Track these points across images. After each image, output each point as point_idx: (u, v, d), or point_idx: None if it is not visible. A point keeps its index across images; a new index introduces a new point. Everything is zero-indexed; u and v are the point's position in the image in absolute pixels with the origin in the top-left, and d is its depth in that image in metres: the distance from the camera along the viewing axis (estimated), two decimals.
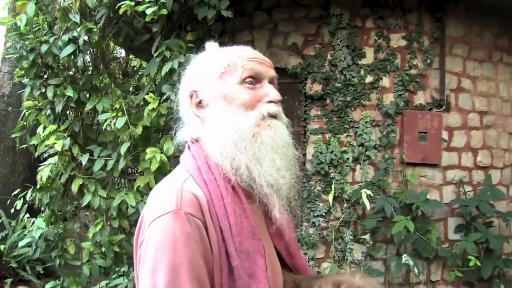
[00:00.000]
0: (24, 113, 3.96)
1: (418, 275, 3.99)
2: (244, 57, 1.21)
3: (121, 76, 4.11)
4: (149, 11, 2.77)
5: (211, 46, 1.33)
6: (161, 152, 3.40)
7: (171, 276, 0.99)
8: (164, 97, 3.27)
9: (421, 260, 4.08)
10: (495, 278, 4.29)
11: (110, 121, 3.39)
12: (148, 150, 3.40)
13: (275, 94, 1.20)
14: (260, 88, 1.21)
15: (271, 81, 1.24)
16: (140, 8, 2.80)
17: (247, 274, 1.07)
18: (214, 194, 1.09)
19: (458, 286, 4.28)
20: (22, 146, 4.28)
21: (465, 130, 4.42)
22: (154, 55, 3.26)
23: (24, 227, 6.12)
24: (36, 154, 3.94)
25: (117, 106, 3.40)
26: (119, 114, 3.38)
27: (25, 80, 3.94)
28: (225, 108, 1.17)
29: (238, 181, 1.14)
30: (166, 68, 3.11)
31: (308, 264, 1.40)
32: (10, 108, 6.41)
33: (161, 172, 3.46)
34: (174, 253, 0.99)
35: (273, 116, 1.19)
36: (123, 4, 2.86)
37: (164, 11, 2.84)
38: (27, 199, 3.78)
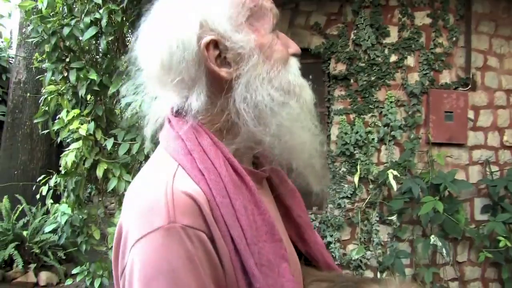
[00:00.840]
0: (46, 98, 3.94)
1: (446, 256, 3.95)
2: None
3: None
4: None
5: None
6: None
7: None
8: None
9: (447, 241, 4.04)
10: None
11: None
12: None
13: (296, 46, 0.96)
14: (280, 38, 0.93)
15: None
16: None
17: (277, 277, 0.81)
18: (215, 189, 0.79)
19: (485, 267, 4.24)
20: (42, 132, 4.27)
21: (491, 109, 4.33)
22: None
23: (45, 213, 6.15)
24: (59, 140, 3.93)
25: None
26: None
27: (46, 65, 3.92)
28: (264, 64, 0.87)
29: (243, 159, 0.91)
30: None
31: (328, 253, 1.11)
32: (28, 94, 6.38)
33: None
34: (173, 286, 0.71)
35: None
36: None
37: None
38: (51, 184, 3.76)
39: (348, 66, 4.22)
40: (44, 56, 3.66)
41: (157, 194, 0.77)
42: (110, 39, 3.42)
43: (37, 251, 5.67)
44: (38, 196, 4.42)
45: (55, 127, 3.78)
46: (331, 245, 4.13)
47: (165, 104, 0.93)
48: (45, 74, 3.90)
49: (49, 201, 3.74)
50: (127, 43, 3.72)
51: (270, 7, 0.91)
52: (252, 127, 0.86)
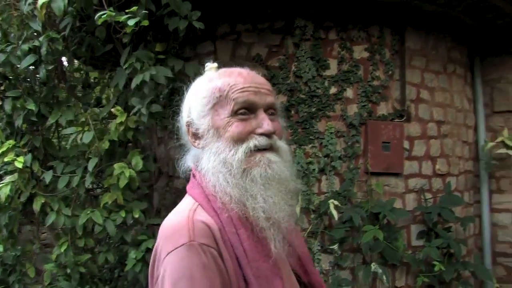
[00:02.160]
0: None
1: (386, 282, 4.06)
2: (236, 87, 1.17)
3: (81, 88, 3.93)
4: (131, 22, 2.66)
5: (209, 67, 1.30)
6: (129, 168, 3.28)
7: None
8: (134, 110, 3.15)
9: (386, 267, 4.16)
10: (454, 280, 4.45)
11: (76, 136, 3.24)
12: (116, 165, 3.28)
13: (267, 126, 1.15)
14: (254, 119, 1.17)
15: (269, 108, 1.21)
16: (121, 19, 2.68)
17: None
18: (225, 222, 1.10)
19: None
20: None
21: (424, 139, 4.56)
22: (124, 66, 3.13)
23: None
24: None
25: (83, 119, 3.25)
26: (86, 128, 3.23)
27: None
28: (217, 141, 1.16)
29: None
30: (137, 80, 3.00)
31: (322, 280, 1.39)
32: None
33: (130, 188, 3.35)
34: (192, 286, 0.99)
35: (265, 149, 1.16)
36: (103, 14, 2.73)
37: (146, 22, 2.73)
38: None
39: (289, 97, 4.30)
40: None
41: (182, 222, 1.09)
42: (49, 67, 3.28)
43: None
44: None
45: None
46: None
47: (189, 159, 1.29)
48: None
49: None
50: (67, 72, 3.60)
51: (234, 97, 1.16)
52: (217, 184, 1.16)
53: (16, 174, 3.35)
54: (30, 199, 3.51)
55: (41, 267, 3.62)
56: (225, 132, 1.15)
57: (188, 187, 1.24)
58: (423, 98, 4.57)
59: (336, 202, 4.01)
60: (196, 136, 1.22)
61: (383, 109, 4.40)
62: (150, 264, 1.12)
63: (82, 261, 3.49)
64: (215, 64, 1.32)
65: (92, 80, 3.92)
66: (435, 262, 4.11)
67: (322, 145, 4.26)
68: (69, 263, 3.43)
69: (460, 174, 4.88)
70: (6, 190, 3.25)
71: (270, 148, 1.17)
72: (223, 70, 1.26)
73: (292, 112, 4.30)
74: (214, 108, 1.18)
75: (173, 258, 1.02)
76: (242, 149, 1.13)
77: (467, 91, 5.19)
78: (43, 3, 2.82)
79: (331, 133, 4.26)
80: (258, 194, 1.12)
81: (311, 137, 4.26)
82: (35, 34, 3.30)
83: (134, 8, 2.68)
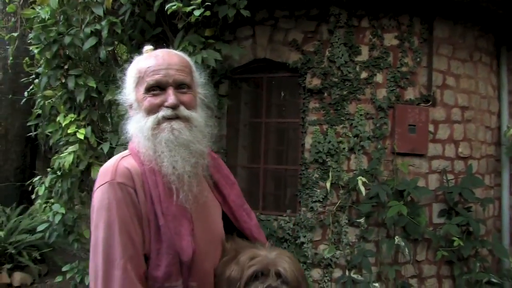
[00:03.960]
0: (39, 101, 4.11)
1: (408, 255, 4.38)
2: (148, 70, 1.46)
3: None
4: (197, 13, 3.00)
5: (145, 49, 1.59)
6: None
7: (107, 231, 1.32)
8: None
9: (408, 242, 4.47)
10: (471, 257, 4.74)
11: None
12: None
13: (171, 100, 1.43)
14: (163, 95, 1.44)
15: (179, 84, 1.46)
16: (188, 9, 3.01)
17: (173, 232, 1.37)
18: (146, 170, 1.42)
19: (440, 265, 4.71)
20: (17, 134, 4.41)
21: (448, 124, 4.82)
22: (177, 50, 3.46)
23: (20, 214, 6.22)
24: (51, 142, 4.11)
25: None
26: None
27: (40, 70, 4.10)
28: (138, 112, 1.48)
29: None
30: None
31: (257, 230, 1.69)
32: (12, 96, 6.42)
33: None
34: (108, 213, 1.33)
35: (170, 118, 1.43)
36: (173, 5, 3.08)
37: (208, 13, 3.07)
38: (46, 185, 3.92)
39: (323, 80, 4.59)
40: (41, 62, 3.82)
41: (109, 165, 1.44)
42: (109, 49, 3.64)
43: (13, 251, 5.74)
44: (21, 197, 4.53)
45: (49, 130, 3.96)
46: (304, 245, 4.49)
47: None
48: (32, 78, 4.06)
49: (42, 200, 3.89)
50: (124, 54, 3.95)
51: (147, 79, 1.46)
52: (137, 144, 1.48)
53: (77, 145, 3.74)
54: (87, 168, 3.90)
55: None
56: (142, 105, 1.45)
57: (130, 142, 1.56)
58: (448, 85, 4.82)
59: (364, 179, 4.32)
60: (130, 107, 1.53)
61: (410, 93, 4.66)
62: None
63: None
64: (151, 47, 1.59)
65: None
66: (454, 238, 4.40)
67: (352, 126, 4.56)
68: None
69: (482, 157, 5.13)
70: (70, 159, 3.63)
71: (175, 118, 1.44)
72: (147, 53, 1.55)
73: (325, 94, 4.60)
74: (136, 86, 1.49)
75: (98, 193, 1.37)
76: (151, 119, 1.43)
77: (492, 78, 5.41)
78: None
79: (361, 115, 4.55)
80: (164, 153, 1.42)
81: (342, 118, 4.56)
82: (96, 19, 3.64)
83: (199, 0, 3.01)
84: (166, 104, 1.44)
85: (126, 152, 1.53)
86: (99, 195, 1.37)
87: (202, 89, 1.59)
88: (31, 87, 5.07)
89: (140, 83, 1.47)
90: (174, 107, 1.44)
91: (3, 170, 6.68)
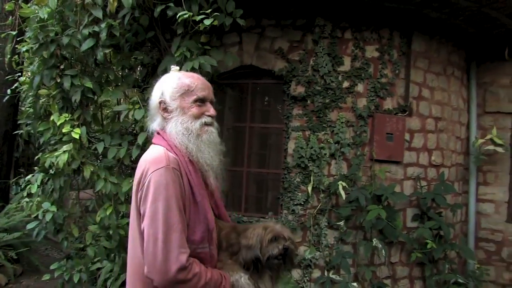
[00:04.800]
0: (31, 100, 4.14)
1: (385, 256, 4.61)
2: (197, 87, 1.88)
3: (126, 71, 4.36)
4: (207, 22, 3.13)
5: (173, 69, 2.02)
6: None
7: (166, 204, 1.66)
8: None
9: (384, 244, 4.70)
10: (441, 259, 5.03)
11: (128, 112, 3.69)
12: None
13: (212, 111, 1.91)
14: (204, 106, 1.89)
15: (211, 101, 1.94)
16: (198, 18, 3.14)
17: (205, 207, 1.80)
18: (183, 161, 1.80)
19: (412, 266, 4.97)
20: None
21: (423, 133, 5.11)
22: (175, 54, 3.59)
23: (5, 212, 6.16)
24: (42, 141, 4.14)
25: (135, 98, 3.70)
26: (136, 106, 3.68)
27: (32, 68, 4.13)
28: (182, 116, 1.86)
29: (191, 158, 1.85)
30: (188, 66, 3.46)
31: (226, 215, 2.12)
32: None
33: None
34: (166, 190, 1.67)
35: (209, 124, 1.89)
36: (185, 13, 3.23)
37: (215, 22, 3.20)
38: (38, 183, 3.95)
39: (307, 88, 4.79)
40: (34, 61, 3.86)
41: (161, 154, 1.76)
42: (107, 51, 3.72)
43: None
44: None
45: (40, 129, 4.00)
46: None
47: (155, 124, 1.94)
48: (17, 76, 4.08)
49: (35, 199, 3.92)
50: (120, 55, 4.02)
51: (196, 93, 1.87)
52: (181, 140, 1.85)
53: (71, 144, 3.79)
54: (78, 167, 3.95)
55: (89, 228, 4.06)
56: (189, 111, 1.86)
57: (154, 140, 1.92)
58: (424, 96, 5.11)
59: (344, 184, 4.53)
60: (165, 110, 1.89)
61: (388, 103, 4.91)
62: (137, 178, 1.77)
63: (122, 224, 3.94)
64: (178, 67, 2.03)
65: (132, 63, 4.33)
66: (427, 241, 4.67)
67: (333, 132, 4.77)
68: (112, 225, 3.89)
69: (452, 166, 5.45)
70: (64, 158, 3.67)
71: (211, 124, 1.90)
72: (185, 72, 1.99)
73: (308, 101, 4.79)
74: (182, 96, 1.86)
75: (156, 174, 1.69)
76: (199, 121, 1.86)
77: (463, 92, 5.75)
78: None
79: (342, 122, 4.76)
80: (205, 149, 1.84)
81: (324, 125, 4.77)
82: (95, 21, 3.71)
83: (209, 10, 3.16)
84: (208, 113, 1.90)
85: (159, 147, 1.85)
86: (157, 176, 1.69)
87: None
88: (15, 84, 5.06)
89: (188, 94, 1.87)
90: (213, 117, 1.91)
91: None
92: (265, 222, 2.02)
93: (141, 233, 1.71)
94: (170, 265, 1.62)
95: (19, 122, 4.22)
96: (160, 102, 1.89)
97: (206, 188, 1.89)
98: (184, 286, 1.65)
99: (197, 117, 1.86)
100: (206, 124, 1.87)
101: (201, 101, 1.87)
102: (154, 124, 1.95)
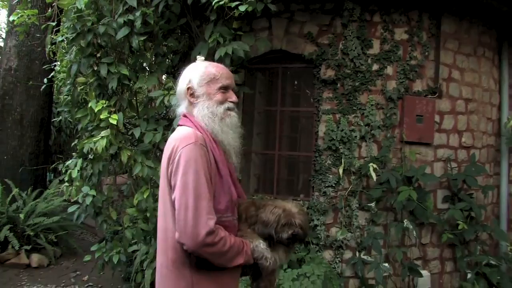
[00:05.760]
0: (69, 88, 4.30)
1: (415, 237, 4.65)
2: (222, 75, 2.07)
3: (160, 58, 4.48)
4: (242, 8, 3.22)
5: (199, 59, 2.21)
6: None
7: (196, 176, 1.84)
8: None
9: (414, 225, 4.74)
10: (472, 241, 5.05)
11: (163, 98, 3.81)
12: None
13: (235, 98, 2.11)
14: (228, 93, 2.09)
15: (233, 89, 2.12)
16: (233, 5, 3.23)
17: (229, 180, 1.99)
18: (208, 139, 1.98)
19: (443, 248, 5.00)
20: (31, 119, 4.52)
21: (453, 115, 5.10)
22: (209, 40, 3.68)
23: (36, 198, 6.41)
24: (80, 127, 4.30)
25: (170, 84, 3.81)
26: (171, 92, 3.80)
27: (69, 57, 4.28)
28: (208, 101, 2.05)
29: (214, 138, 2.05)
30: (220, 52, 3.55)
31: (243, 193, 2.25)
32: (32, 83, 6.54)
33: None
34: (196, 164, 1.84)
35: (232, 109, 2.08)
36: (220, 0, 3.33)
37: (250, 8, 3.28)
38: (78, 168, 4.11)
39: (336, 72, 4.83)
40: (75, 49, 4.00)
41: (190, 133, 1.92)
42: (141, 38, 3.84)
43: (31, 233, 5.92)
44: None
45: (78, 115, 4.15)
46: (317, 228, 4.75)
47: (182, 108, 2.14)
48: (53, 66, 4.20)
49: (76, 183, 4.08)
50: (154, 43, 4.14)
51: (222, 81, 2.07)
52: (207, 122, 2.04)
53: (108, 130, 3.93)
54: (115, 152, 4.10)
55: (126, 211, 4.22)
56: (214, 97, 2.05)
57: (181, 122, 2.10)
58: (454, 78, 5.09)
59: (374, 166, 4.58)
60: (192, 95, 2.07)
61: (418, 85, 4.92)
62: (167, 154, 1.93)
63: None
64: (202, 57, 2.22)
65: (165, 50, 4.45)
66: (459, 222, 4.69)
67: (363, 115, 4.81)
68: (150, 208, 4.04)
69: (483, 147, 5.42)
70: (103, 143, 3.83)
71: (233, 109, 2.09)
72: (211, 62, 2.17)
73: (338, 85, 4.84)
74: (208, 83, 2.06)
75: (186, 149, 1.86)
76: (223, 106, 2.05)
77: (494, 72, 5.69)
78: None
79: (372, 105, 4.80)
80: (228, 131, 2.04)
81: (354, 107, 4.81)
82: (129, 10, 3.83)
83: None
84: (231, 100, 2.10)
85: (186, 127, 2.01)
86: (187, 151, 1.86)
87: None
88: (52, 74, 5.24)
89: (214, 82, 2.07)
90: (235, 103, 2.11)
91: (19, 155, 6.84)
92: (284, 202, 2.18)
93: (173, 204, 1.88)
94: (200, 229, 1.79)
95: (58, 110, 4.38)
96: (188, 88, 2.08)
97: (227, 165, 2.09)
98: (211, 248, 1.82)
99: (222, 102, 2.05)
100: (229, 109, 2.07)
101: (225, 88, 2.06)
102: (181, 108, 2.14)
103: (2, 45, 7.71)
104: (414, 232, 4.59)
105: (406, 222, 4.55)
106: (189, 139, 1.89)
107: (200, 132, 1.96)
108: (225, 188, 1.97)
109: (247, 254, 1.97)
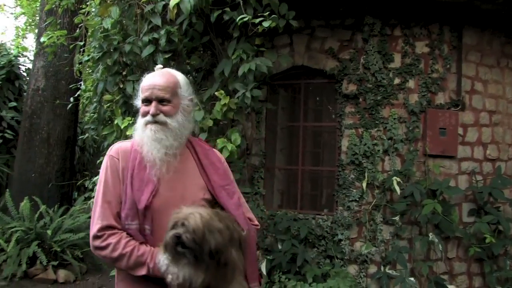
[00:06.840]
0: (96, 106, 4.41)
1: (441, 251, 4.60)
2: (144, 88, 2.02)
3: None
4: (266, 24, 3.29)
5: (156, 68, 2.13)
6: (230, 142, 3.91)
7: (99, 184, 1.97)
8: (239, 94, 3.77)
9: (439, 239, 4.69)
10: (501, 255, 4.96)
11: None
12: (219, 140, 3.89)
13: (152, 110, 1.98)
14: (149, 105, 1.99)
15: (160, 100, 1.99)
16: (256, 21, 3.31)
17: (136, 188, 1.92)
18: (135, 150, 1.99)
19: (470, 262, 4.93)
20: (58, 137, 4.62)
21: (477, 127, 5.06)
22: (232, 57, 3.76)
23: (62, 214, 6.53)
24: (106, 144, 4.40)
25: (195, 101, 3.88)
26: (197, 108, 3.86)
27: (96, 76, 4.40)
28: (139, 115, 2.08)
29: None
30: (244, 69, 3.61)
31: (235, 207, 2.05)
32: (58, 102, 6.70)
33: (230, 159, 3.95)
34: (102, 173, 1.97)
35: (150, 122, 1.99)
36: (245, 17, 3.40)
37: (273, 24, 3.36)
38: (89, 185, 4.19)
39: (358, 86, 4.86)
40: (102, 68, 4.11)
41: (116, 145, 2.04)
42: (166, 56, 3.93)
43: (58, 249, 6.02)
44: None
45: (105, 132, 4.25)
46: (342, 242, 4.73)
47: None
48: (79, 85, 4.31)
49: (91, 201, 4.15)
50: (178, 61, 4.23)
51: (143, 93, 2.00)
52: (136, 135, 2.06)
53: None
54: None
55: None
56: (141, 110, 2.03)
57: None
58: (477, 90, 5.07)
59: (398, 179, 4.57)
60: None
61: (440, 98, 4.91)
62: None
63: None
64: (161, 66, 2.15)
65: (189, 68, 4.54)
66: (486, 235, 4.62)
67: (386, 129, 4.82)
68: None
69: (509, 160, 5.35)
70: None
71: (154, 122, 1.98)
72: (152, 73, 2.09)
73: (360, 99, 4.86)
74: (141, 96, 2.03)
75: (104, 159, 2.01)
76: (143, 121, 2.00)
77: None
78: (175, 5, 3.45)
79: (394, 118, 4.80)
80: (146, 144, 1.97)
81: (376, 121, 4.82)
82: (154, 28, 3.94)
83: (266, 13, 3.31)
84: (150, 113, 2.02)
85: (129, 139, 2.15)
86: (103, 162, 2.01)
87: (187, 100, 2.11)
88: (78, 92, 5.38)
89: (140, 95, 2.06)
90: (153, 116, 2.00)
91: (46, 173, 7.00)
92: (202, 208, 1.82)
93: None
94: (91, 232, 1.91)
95: (83, 128, 4.49)
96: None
97: (212, 185, 2.07)
98: (100, 252, 1.89)
99: (143, 115, 2.03)
100: (148, 122, 2.01)
101: (146, 101, 2.01)
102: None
103: (31, 67, 7.92)
104: (440, 246, 4.54)
105: (431, 236, 4.51)
106: (109, 151, 2.03)
107: (132, 144, 2.03)
108: (135, 196, 1.93)
109: (151, 267, 1.84)
